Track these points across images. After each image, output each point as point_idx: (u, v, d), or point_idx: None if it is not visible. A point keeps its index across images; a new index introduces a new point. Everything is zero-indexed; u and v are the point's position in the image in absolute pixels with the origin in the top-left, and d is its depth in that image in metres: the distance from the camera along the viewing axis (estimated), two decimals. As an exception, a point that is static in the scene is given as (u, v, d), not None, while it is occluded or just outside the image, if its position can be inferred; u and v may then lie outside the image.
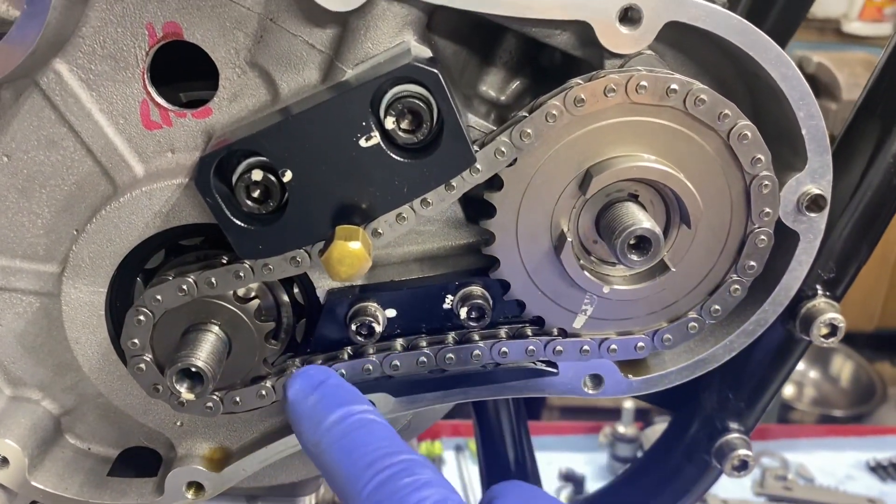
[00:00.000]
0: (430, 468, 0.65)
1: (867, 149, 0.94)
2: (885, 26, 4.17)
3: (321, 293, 0.83)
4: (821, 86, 3.69)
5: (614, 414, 2.63)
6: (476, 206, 0.81)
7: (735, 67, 0.81)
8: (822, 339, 0.94)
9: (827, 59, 3.80)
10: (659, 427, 2.43)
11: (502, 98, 0.90)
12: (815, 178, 0.79)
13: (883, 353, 4.35)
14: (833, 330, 0.93)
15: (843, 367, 4.12)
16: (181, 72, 0.84)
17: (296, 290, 0.85)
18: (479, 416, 1.37)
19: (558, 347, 0.82)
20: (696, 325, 0.82)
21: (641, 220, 0.73)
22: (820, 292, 0.95)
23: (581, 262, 0.78)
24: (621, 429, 2.49)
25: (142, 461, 0.94)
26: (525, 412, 1.35)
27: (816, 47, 4.01)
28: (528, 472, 1.31)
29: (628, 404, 2.51)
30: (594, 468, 2.52)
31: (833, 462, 2.54)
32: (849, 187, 0.94)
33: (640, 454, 2.48)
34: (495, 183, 0.76)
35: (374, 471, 0.64)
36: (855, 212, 0.94)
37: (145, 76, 0.78)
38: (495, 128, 0.83)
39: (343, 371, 0.80)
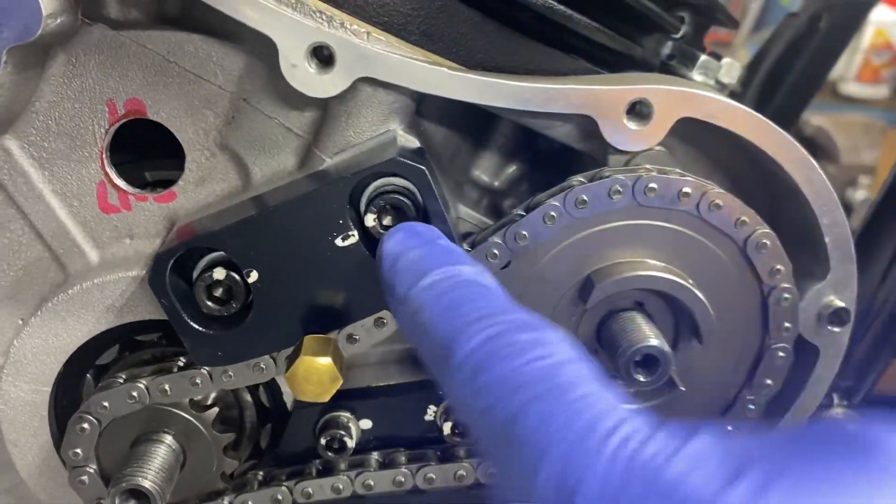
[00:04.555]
0: (552, 328, 0.49)
1: (888, 247, 0.88)
2: (883, 88, 4.17)
3: (288, 398, 0.75)
4: (819, 149, 3.66)
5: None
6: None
7: (750, 164, 0.74)
8: (840, 455, 0.86)
9: (824, 121, 3.78)
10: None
11: (496, 183, 0.83)
12: (839, 289, 0.71)
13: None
14: (852, 445, 0.85)
15: (840, 431, 4.03)
16: (147, 147, 0.77)
17: (261, 390, 0.77)
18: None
19: (552, 469, 0.73)
20: (705, 447, 0.74)
21: (648, 335, 0.65)
22: (836, 402, 0.88)
23: (579, 378, 0.70)
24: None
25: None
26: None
27: (813, 108, 3.98)
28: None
29: None
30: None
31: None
32: (868, 289, 0.87)
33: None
34: (486, 286, 0.69)
35: (478, 328, 0.48)
36: (876, 316, 0.87)
37: (104, 156, 0.71)
38: (486, 219, 0.76)
39: (310, 490, 0.72)
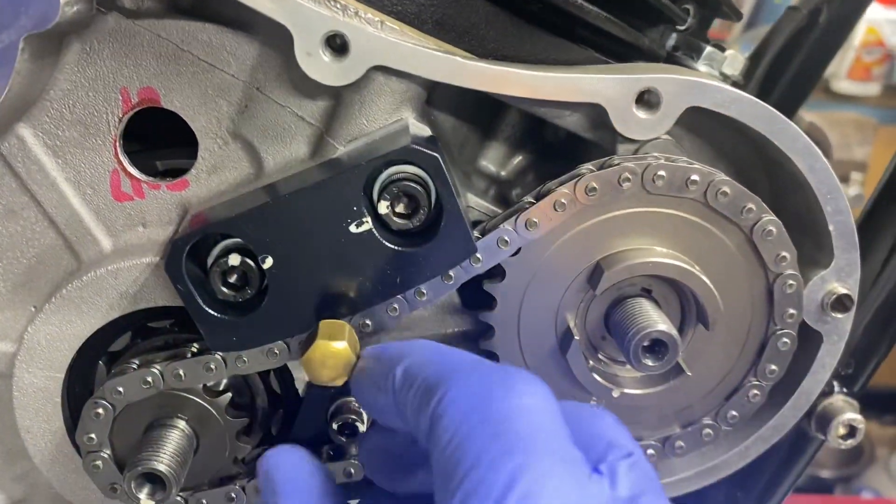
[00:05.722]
0: None
1: (888, 236, 0.89)
2: (874, 86, 4.20)
3: (300, 385, 0.76)
4: (812, 145, 3.69)
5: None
6: (474, 294, 0.75)
7: (755, 153, 0.75)
8: (840, 441, 0.87)
9: (816, 118, 3.80)
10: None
11: (503, 173, 0.84)
12: (842, 276, 0.73)
13: (870, 412, 4.28)
14: (852, 431, 0.87)
15: (831, 426, 4.04)
16: (159, 136, 0.78)
17: (272, 376, 0.77)
18: None
19: (560, 453, 0.74)
20: (710, 431, 0.75)
21: (656, 321, 0.66)
22: (837, 389, 0.89)
23: (590, 362, 0.71)
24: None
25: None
26: None
27: (805, 106, 4.00)
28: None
29: None
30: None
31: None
32: (869, 277, 0.88)
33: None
34: (497, 272, 0.70)
35: None
36: (875, 303, 0.89)
37: (117, 144, 0.71)
38: (494, 207, 0.77)
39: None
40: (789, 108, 1.15)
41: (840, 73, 4.24)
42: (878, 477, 3.81)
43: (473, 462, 0.44)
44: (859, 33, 3.91)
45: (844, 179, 3.42)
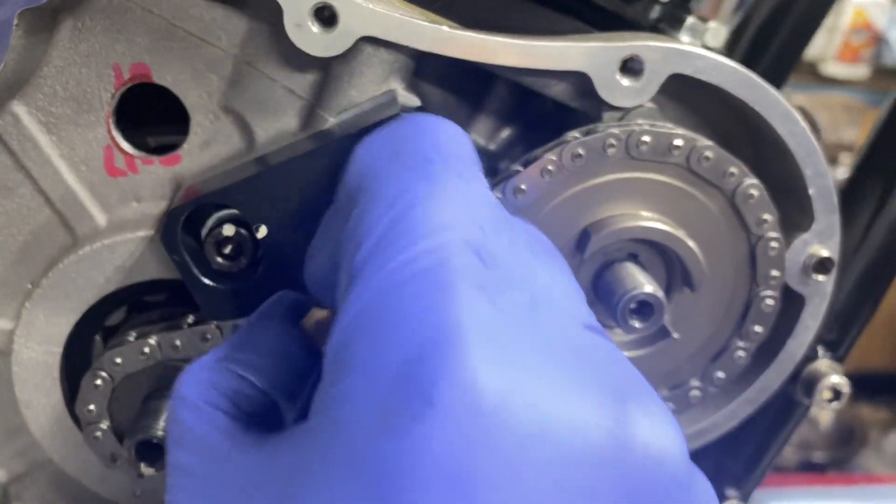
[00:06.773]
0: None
1: (870, 203, 0.91)
2: (862, 68, 4.22)
3: (296, 355, 0.77)
4: (801, 127, 3.70)
5: None
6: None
7: (738, 120, 0.77)
8: (825, 404, 0.89)
9: (805, 101, 3.83)
10: None
11: (491, 146, 0.85)
12: (823, 238, 0.74)
13: (862, 395, 4.31)
14: (836, 395, 0.89)
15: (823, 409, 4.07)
16: (150, 114, 0.79)
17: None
18: None
19: (550, 417, 0.76)
20: (698, 393, 0.77)
21: (643, 283, 0.68)
22: (821, 353, 0.91)
23: (577, 326, 0.73)
24: None
25: (97, 532, 0.86)
26: None
27: (794, 89, 4.03)
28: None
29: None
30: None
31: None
32: (851, 243, 0.90)
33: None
34: (486, 240, 0.71)
35: None
36: (858, 268, 0.91)
37: (110, 120, 0.72)
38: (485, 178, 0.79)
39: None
40: (775, 80, 1.17)
41: (828, 55, 4.26)
42: (870, 459, 3.85)
43: (370, 184, 0.43)
44: (847, 16, 3.93)
45: (833, 161, 3.46)
